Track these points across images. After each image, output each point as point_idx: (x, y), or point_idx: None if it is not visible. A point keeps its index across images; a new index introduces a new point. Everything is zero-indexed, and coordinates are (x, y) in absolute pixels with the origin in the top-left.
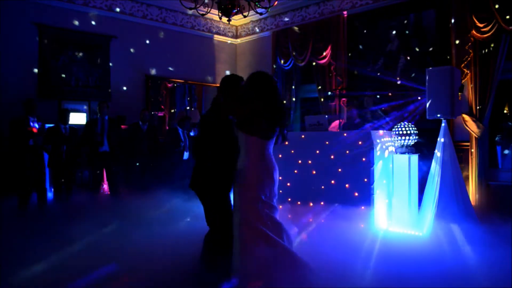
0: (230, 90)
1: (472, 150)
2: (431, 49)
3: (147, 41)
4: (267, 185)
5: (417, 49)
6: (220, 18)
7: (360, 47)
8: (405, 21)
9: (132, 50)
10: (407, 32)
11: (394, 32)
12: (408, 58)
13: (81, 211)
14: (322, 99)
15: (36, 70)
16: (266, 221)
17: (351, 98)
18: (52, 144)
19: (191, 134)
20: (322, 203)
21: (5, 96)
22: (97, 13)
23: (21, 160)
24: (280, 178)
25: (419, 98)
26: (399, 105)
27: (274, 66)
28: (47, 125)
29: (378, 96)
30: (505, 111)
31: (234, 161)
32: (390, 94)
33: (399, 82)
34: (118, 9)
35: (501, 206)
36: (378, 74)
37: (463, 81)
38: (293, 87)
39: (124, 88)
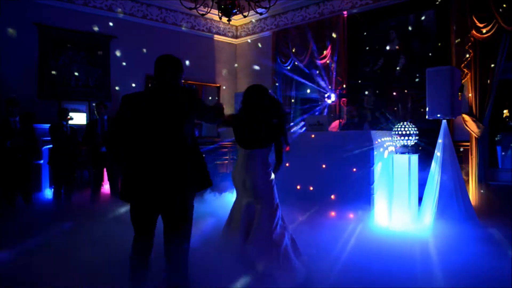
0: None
1: (472, 150)
2: (431, 49)
3: (147, 41)
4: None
5: (417, 49)
6: (220, 18)
7: (360, 47)
8: (405, 21)
9: (132, 50)
10: (407, 32)
11: (394, 32)
12: (408, 58)
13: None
14: (322, 99)
15: (36, 70)
16: None
17: (351, 98)
18: (55, 141)
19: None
20: (321, 203)
21: (5, 97)
22: (97, 13)
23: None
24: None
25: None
26: (399, 105)
27: (274, 66)
28: (47, 125)
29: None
30: (504, 115)
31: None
32: (389, 93)
33: (417, 80)
34: (118, 9)
35: (501, 206)
36: (378, 74)
37: (463, 81)
38: (293, 87)
39: (124, 88)
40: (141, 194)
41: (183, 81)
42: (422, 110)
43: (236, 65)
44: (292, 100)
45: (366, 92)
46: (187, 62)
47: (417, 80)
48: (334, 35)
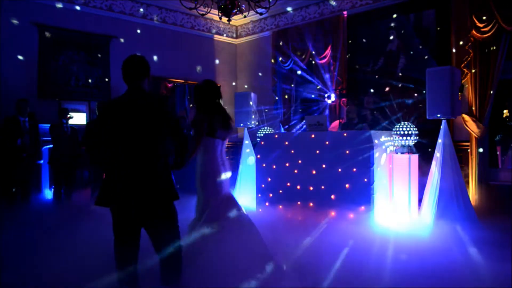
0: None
1: (472, 150)
2: (431, 49)
3: (147, 41)
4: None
5: (417, 49)
6: (220, 18)
7: (360, 47)
8: (405, 21)
9: (132, 50)
10: (407, 32)
11: (394, 32)
12: (408, 58)
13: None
14: (321, 99)
15: (36, 70)
16: None
17: (350, 98)
18: (55, 141)
19: (191, 133)
20: (321, 203)
21: (5, 96)
22: (97, 13)
23: (7, 159)
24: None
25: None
26: (399, 105)
27: (274, 66)
28: (47, 125)
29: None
30: (504, 116)
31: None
32: (389, 93)
33: (417, 80)
34: (118, 9)
35: (501, 206)
36: (378, 74)
37: (463, 81)
38: (293, 87)
39: (124, 88)
40: (117, 202)
41: (183, 80)
42: (422, 110)
43: (235, 65)
44: (292, 100)
45: (366, 92)
46: (187, 62)
47: (417, 80)
48: (334, 35)
